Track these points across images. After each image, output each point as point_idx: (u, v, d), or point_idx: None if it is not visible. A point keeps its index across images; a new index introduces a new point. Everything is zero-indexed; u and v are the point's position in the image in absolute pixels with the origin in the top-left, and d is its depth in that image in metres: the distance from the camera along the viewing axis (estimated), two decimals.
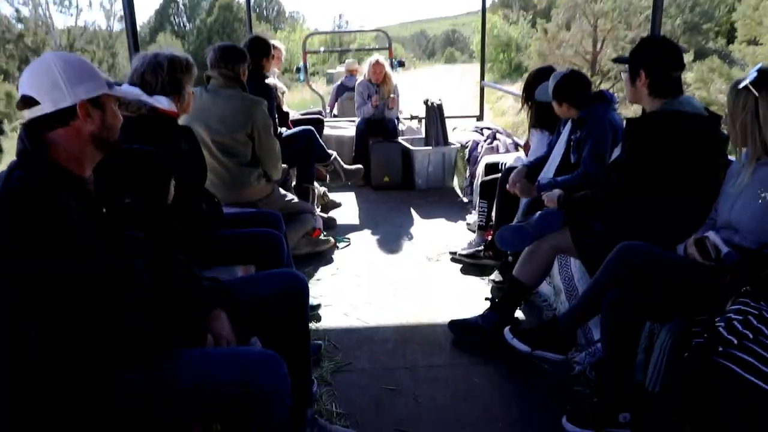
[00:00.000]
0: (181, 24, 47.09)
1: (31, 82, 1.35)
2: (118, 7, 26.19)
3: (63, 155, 1.37)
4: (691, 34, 24.63)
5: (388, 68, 5.47)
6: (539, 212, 2.57)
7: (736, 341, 1.36)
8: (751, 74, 1.74)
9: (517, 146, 4.83)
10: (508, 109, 18.25)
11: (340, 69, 8.69)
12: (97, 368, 1.33)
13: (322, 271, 3.50)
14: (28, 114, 1.35)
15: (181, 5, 47.09)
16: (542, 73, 3.22)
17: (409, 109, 6.68)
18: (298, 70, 6.77)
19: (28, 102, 1.34)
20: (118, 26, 26.87)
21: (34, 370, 1.33)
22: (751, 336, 1.36)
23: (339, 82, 7.36)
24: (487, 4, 6.23)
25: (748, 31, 18.85)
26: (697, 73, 18.06)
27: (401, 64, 6.97)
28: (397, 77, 6.44)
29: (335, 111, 7.10)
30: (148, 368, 1.36)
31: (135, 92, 1.60)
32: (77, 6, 23.47)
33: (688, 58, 15.03)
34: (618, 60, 2.37)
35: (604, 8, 24.47)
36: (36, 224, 1.24)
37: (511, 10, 44.53)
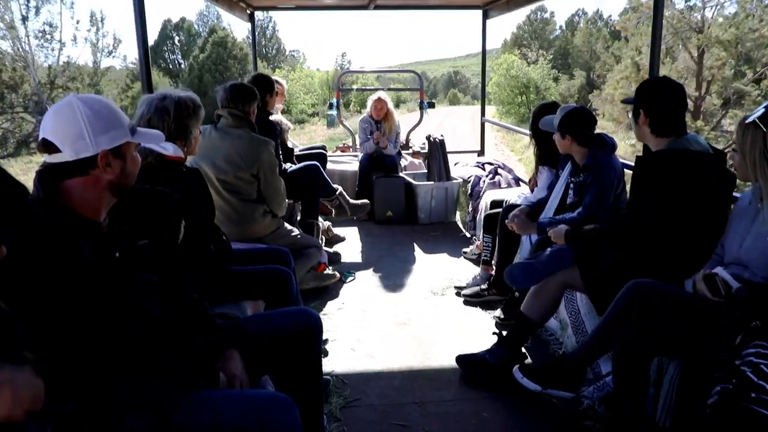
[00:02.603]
0: (176, 62, 46.57)
1: (55, 127, 1.33)
2: (107, 42, 25.74)
3: (78, 202, 1.35)
4: None
5: (390, 105, 5.56)
6: (549, 249, 2.60)
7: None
8: (759, 110, 1.77)
9: (518, 181, 4.89)
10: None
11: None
12: (109, 407, 1.33)
13: (329, 306, 3.50)
14: (48, 159, 1.33)
15: (176, 41, 46.82)
16: (548, 108, 3.30)
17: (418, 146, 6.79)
18: (331, 106, 6.88)
19: (48, 147, 1.32)
20: (105, 62, 26.34)
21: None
22: None
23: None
24: (498, 45, 6.39)
25: None
26: None
27: (431, 105, 7.08)
28: (426, 117, 6.61)
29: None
30: (159, 409, 1.36)
31: (157, 135, 1.60)
32: (60, 40, 22.93)
33: None
34: (625, 101, 2.45)
35: (720, 36, 18.23)
36: (47, 275, 1.22)
37: (529, 49, 42.90)
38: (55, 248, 1.25)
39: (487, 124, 6.61)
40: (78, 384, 1.29)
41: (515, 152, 16.63)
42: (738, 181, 2.11)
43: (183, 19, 48.07)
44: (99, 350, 1.28)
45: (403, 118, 5.97)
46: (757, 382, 1.36)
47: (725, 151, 2.18)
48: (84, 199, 1.36)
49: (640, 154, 2.39)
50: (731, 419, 1.37)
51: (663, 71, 16.06)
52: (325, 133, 22.31)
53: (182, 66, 41.01)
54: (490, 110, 37.74)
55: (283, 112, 3.63)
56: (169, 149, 2.08)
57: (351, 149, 6.72)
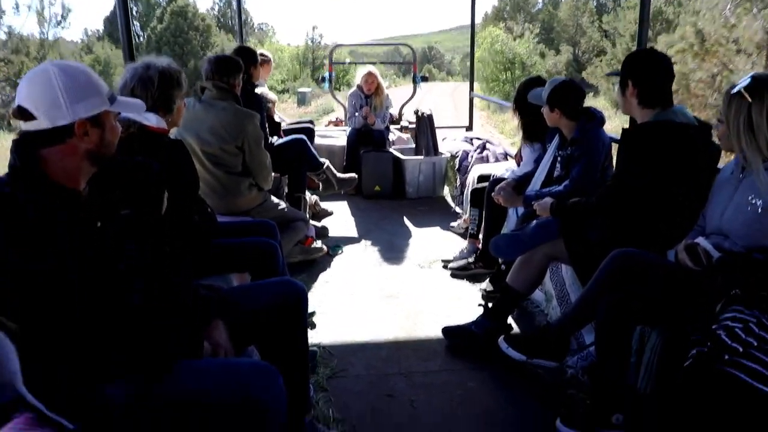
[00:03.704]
0: (134, 33, 44.93)
1: (30, 94, 1.29)
2: (55, 11, 23.55)
3: (56, 170, 1.32)
4: None
5: (380, 79, 5.51)
6: (535, 221, 2.61)
7: (741, 349, 1.37)
8: (745, 80, 1.76)
9: (506, 156, 4.89)
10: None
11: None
12: (88, 377, 1.32)
13: (316, 279, 3.51)
14: (23, 126, 1.30)
15: (134, 12, 44.04)
16: (533, 82, 3.28)
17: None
18: (323, 79, 6.79)
19: (23, 114, 1.29)
20: (53, 33, 24.04)
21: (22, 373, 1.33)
22: (755, 343, 1.38)
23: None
24: (478, 19, 6.32)
25: None
26: None
27: (424, 78, 6.98)
28: (419, 92, 6.52)
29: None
30: (143, 379, 1.36)
31: (138, 104, 1.56)
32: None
33: None
34: (610, 74, 2.44)
35: None
36: (26, 245, 1.20)
37: (515, 22, 40.77)
38: (34, 215, 1.23)
39: (477, 101, 6.55)
40: (56, 354, 1.28)
41: (505, 135, 15.35)
42: (722, 152, 2.12)
43: None
44: (78, 320, 1.27)
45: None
46: (730, 345, 1.38)
47: (710, 122, 2.18)
48: (62, 168, 1.33)
49: None
50: (705, 381, 1.39)
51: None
52: (296, 111, 21.55)
53: (141, 39, 38.07)
54: (477, 87, 36.88)
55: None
56: (152, 120, 2.04)
57: (344, 123, 6.67)
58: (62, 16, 24.35)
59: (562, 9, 49.09)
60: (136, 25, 41.94)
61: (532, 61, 30.61)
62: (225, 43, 35.89)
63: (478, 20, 6.73)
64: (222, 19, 48.52)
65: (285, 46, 39.61)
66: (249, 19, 50.23)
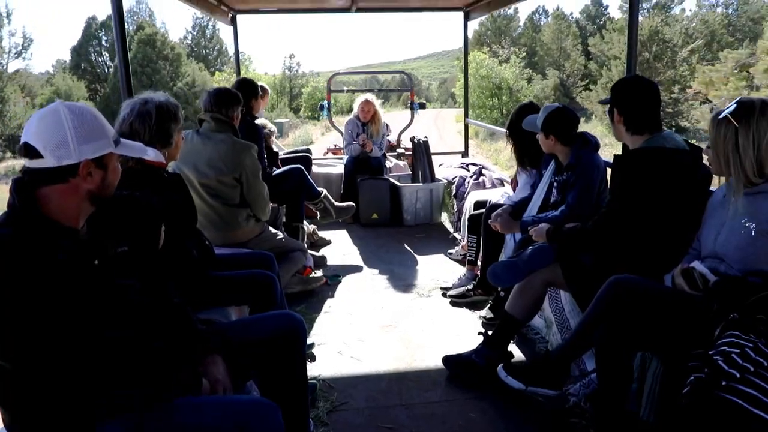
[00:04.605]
0: (104, 64, 41.35)
1: (39, 133, 1.31)
2: (16, 41, 22.65)
3: (55, 210, 1.33)
4: None
5: (377, 107, 5.57)
6: (531, 247, 2.62)
7: (738, 375, 1.36)
8: (731, 106, 1.80)
9: (502, 181, 4.92)
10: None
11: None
12: (82, 416, 1.31)
13: (314, 310, 3.49)
14: (27, 164, 1.32)
15: (104, 42, 41.57)
16: (526, 109, 3.32)
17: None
18: (322, 107, 6.85)
19: (29, 151, 1.31)
20: (14, 65, 23.18)
21: (17, 416, 1.32)
22: (752, 369, 1.37)
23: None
24: (459, 44, 6.40)
25: None
26: None
27: (422, 106, 7.03)
28: (417, 118, 6.56)
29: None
30: (139, 417, 1.35)
31: (140, 147, 1.58)
32: None
33: None
34: (602, 101, 2.49)
35: None
36: (22, 286, 1.20)
37: (500, 46, 40.27)
38: (33, 256, 1.24)
39: (460, 129, 6.62)
40: (51, 392, 1.27)
41: (500, 165, 14.63)
42: (714, 176, 2.14)
43: (110, 17, 44.18)
44: (75, 357, 1.26)
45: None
46: (727, 371, 1.38)
47: (700, 146, 2.21)
48: (61, 207, 1.35)
49: None
50: (704, 408, 1.38)
51: None
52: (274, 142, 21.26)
53: (111, 70, 36.82)
54: (460, 114, 35.87)
55: None
56: (151, 154, 2.06)
57: (342, 151, 6.73)
58: (23, 47, 23.58)
59: (545, 32, 49.24)
60: (105, 56, 40.85)
61: (518, 86, 29.81)
62: (196, 73, 34.95)
63: (459, 45, 6.81)
64: (195, 49, 47.75)
65: (262, 75, 38.62)
66: (224, 48, 49.57)
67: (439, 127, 26.02)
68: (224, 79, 33.45)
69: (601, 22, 50.04)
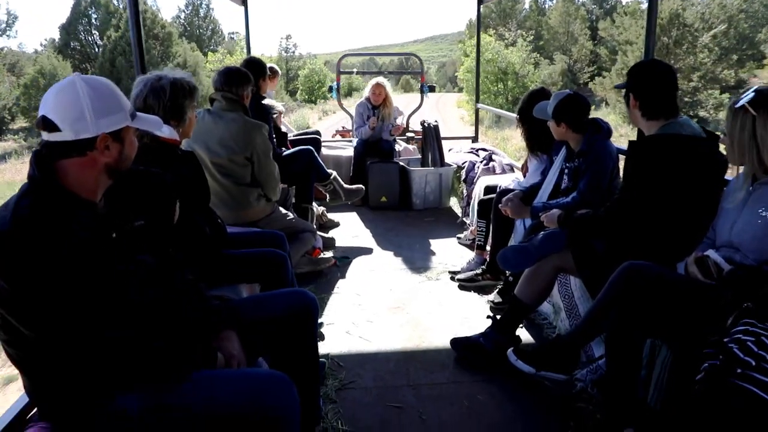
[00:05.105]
0: (94, 43, 39.94)
1: (56, 106, 1.32)
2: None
3: (74, 182, 1.35)
4: None
5: (389, 90, 5.53)
6: (542, 233, 2.62)
7: (753, 362, 1.36)
8: (749, 94, 1.78)
9: (512, 167, 4.91)
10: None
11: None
12: (100, 386, 1.34)
13: (323, 290, 3.51)
14: (45, 137, 1.33)
15: (93, 20, 40.17)
16: (537, 95, 3.29)
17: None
18: (331, 89, 6.82)
19: (48, 125, 1.31)
20: None
21: (37, 383, 1.34)
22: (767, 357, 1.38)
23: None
24: (461, 27, 6.34)
25: None
26: None
27: (431, 89, 6.97)
28: (434, 100, 6.45)
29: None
30: (157, 389, 1.37)
31: (156, 121, 1.58)
32: None
33: None
34: (618, 86, 2.46)
35: None
36: (42, 257, 1.21)
37: (507, 29, 38.99)
38: (52, 227, 1.25)
39: (465, 114, 6.59)
40: (70, 362, 1.30)
41: (509, 154, 14.46)
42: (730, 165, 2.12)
43: None
44: (92, 331, 1.28)
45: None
46: (743, 358, 1.38)
47: (717, 133, 2.19)
48: (80, 180, 1.36)
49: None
50: (718, 395, 1.39)
51: None
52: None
53: (100, 49, 35.11)
54: (461, 99, 34.76)
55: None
56: (165, 131, 2.07)
57: (351, 134, 6.71)
58: (7, 24, 22.95)
59: (552, 15, 47.92)
60: (95, 35, 39.26)
61: (525, 71, 28.81)
62: (188, 53, 33.88)
63: (461, 28, 6.75)
64: (189, 28, 46.62)
65: (256, 56, 38.21)
66: (218, 29, 48.34)
67: (441, 111, 25.39)
68: (218, 60, 32.43)
69: (608, 6, 49.03)
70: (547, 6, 52.21)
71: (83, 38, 40.77)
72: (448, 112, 28.22)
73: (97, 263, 1.29)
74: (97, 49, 38.50)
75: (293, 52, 45.59)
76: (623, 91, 2.36)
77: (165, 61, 31.06)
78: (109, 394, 1.33)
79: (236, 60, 31.60)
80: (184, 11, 49.27)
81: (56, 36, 42.20)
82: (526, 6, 52.29)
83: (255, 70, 3.95)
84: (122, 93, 1.43)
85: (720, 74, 30.05)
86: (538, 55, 34.94)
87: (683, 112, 2.36)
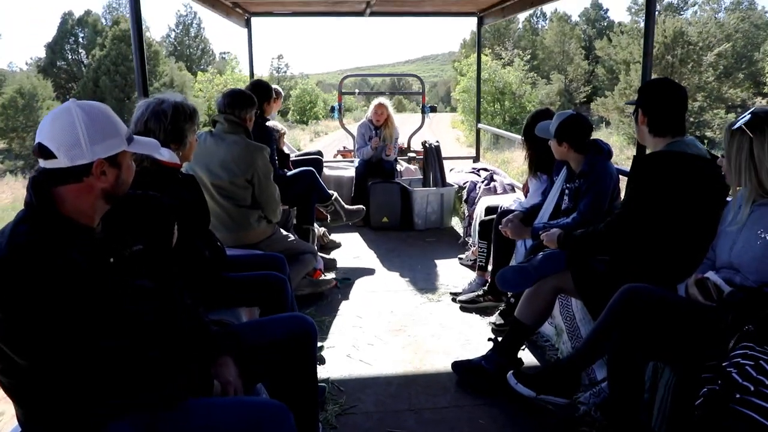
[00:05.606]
0: (80, 62, 39.69)
1: (52, 133, 1.32)
2: None
3: (71, 208, 1.35)
4: None
5: (390, 111, 5.57)
6: (542, 253, 2.61)
7: (752, 388, 1.35)
8: (746, 116, 1.79)
9: (513, 187, 4.91)
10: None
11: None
12: (94, 415, 1.32)
13: (324, 312, 3.49)
14: (42, 164, 1.34)
15: (80, 38, 40.35)
16: (541, 114, 3.31)
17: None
18: (333, 109, 6.87)
19: (44, 152, 1.32)
20: None
21: (30, 412, 1.32)
22: (766, 382, 1.36)
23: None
24: (456, 47, 6.40)
25: None
26: None
27: (433, 109, 7.01)
28: (428, 122, 6.51)
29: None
30: (150, 418, 1.35)
31: (153, 144, 1.59)
32: None
33: None
34: (629, 102, 2.49)
35: None
36: (38, 284, 1.21)
37: (503, 47, 38.41)
38: (49, 254, 1.25)
39: (461, 135, 6.63)
40: (63, 390, 1.28)
41: (512, 177, 14.30)
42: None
43: (88, 12, 40.93)
44: (89, 356, 1.27)
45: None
46: (741, 383, 1.36)
47: (716, 155, 2.19)
48: (77, 206, 1.36)
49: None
50: (717, 421, 1.37)
51: None
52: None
53: (86, 68, 34.71)
54: (455, 119, 34.23)
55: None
56: (165, 155, 2.07)
57: (352, 154, 6.74)
58: None
59: (547, 35, 47.96)
60: (81, 53, 38.95)
61: (522, 90, 28.56)
62: (174, 72, 33.68)
63: (452, 48, 6.82)
64: (179, 48, 46.28)
65: (247, 77, 38.18)
66: (209, 48, 47.86)
67: (435, 132, 25.31)
68: (207, 80, 32.07)
69: (601, 26, 49.33)
70: (540, 26, 52.60)
71: (70, 57, 40.55)
72: (443, 132, 28.11)
73: (95, 290, 1.29)
74: (83, 68, 38.13)
75: (285, 72, 45.44)
76: (633, 107, 2.38)
77: (151, 81, 31.06)
78: (102, 423, 1.31)
79: (225, 79, 31.49)
80: (174, 30, 49.42)
81: (42, 55, 42.22)
82: (520, 26, 52.75)
83: (260, 93, 3.98)
84: (118, 117, 1.43)
85: (725, 93, 30.02)
86: (535, 74, 34.98)
87: (689, 133, 2.36)
